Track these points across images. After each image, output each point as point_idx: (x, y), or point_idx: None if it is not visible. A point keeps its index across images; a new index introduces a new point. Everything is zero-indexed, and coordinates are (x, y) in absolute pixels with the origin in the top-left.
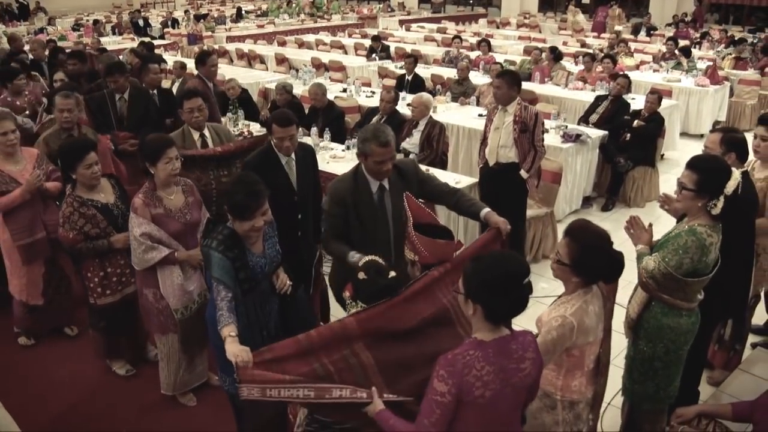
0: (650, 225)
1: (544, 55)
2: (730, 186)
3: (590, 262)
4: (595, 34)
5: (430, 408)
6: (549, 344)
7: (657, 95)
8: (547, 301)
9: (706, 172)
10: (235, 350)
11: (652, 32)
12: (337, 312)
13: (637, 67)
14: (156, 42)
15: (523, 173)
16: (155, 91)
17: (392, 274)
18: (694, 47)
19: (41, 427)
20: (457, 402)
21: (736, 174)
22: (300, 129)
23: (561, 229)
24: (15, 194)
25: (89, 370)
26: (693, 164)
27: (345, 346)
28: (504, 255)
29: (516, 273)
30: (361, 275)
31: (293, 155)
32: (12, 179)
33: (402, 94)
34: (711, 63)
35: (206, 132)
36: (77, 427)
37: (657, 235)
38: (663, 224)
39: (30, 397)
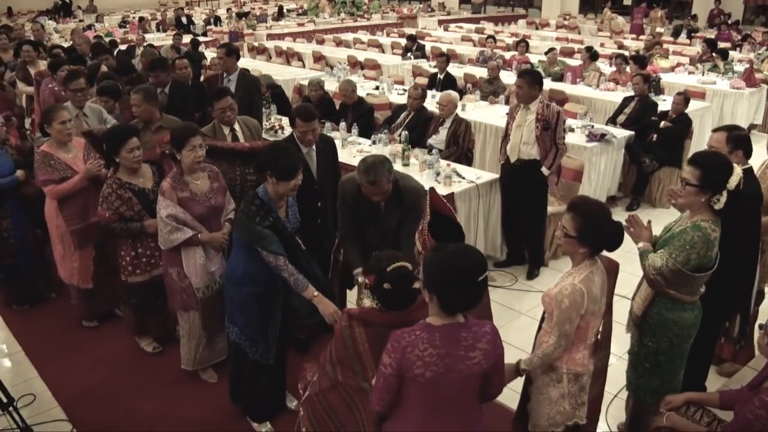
0: (649, 222)
1: (579, 55)
2: (733, 181)
3: (594, 231)
4: (634, 35)
5: (377, 377)
6: (564, 313)
7: (684, 96)
8: None
9: (708, 168)
10: (331, 310)
11: (693, 34)
12: (352, 296)
13: (672, 69)
14: (198, 39)
15: (544, 170)
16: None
17: (417, 285)
18: (735, 50)
19: (70, 396)
20: (400, 376)
21: (738, 170)
22: (329, 123)
23: None
24: (75, 180)
25: (120, 345)
26: (695, 160)
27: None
28: (462, 250)
29: (471, 270)
30: (387, 286)
31: (314, 146)
32: (67, 166)
33: (432, 92)
34: (748, 65)
35: (236, 126)
36: (103, 398)
37: (655, 231)
38: None
39: (63, 369)
